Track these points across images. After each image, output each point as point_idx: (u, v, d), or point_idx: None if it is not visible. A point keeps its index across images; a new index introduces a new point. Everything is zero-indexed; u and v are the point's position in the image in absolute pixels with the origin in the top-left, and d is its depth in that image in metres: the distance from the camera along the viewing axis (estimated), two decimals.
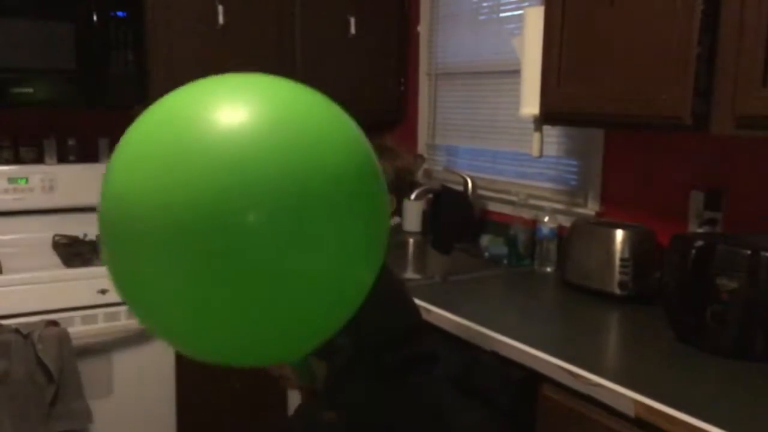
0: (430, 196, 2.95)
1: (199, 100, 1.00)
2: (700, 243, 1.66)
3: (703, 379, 1.53)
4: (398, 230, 3.14)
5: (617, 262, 2.05)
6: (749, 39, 1.53)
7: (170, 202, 0.91)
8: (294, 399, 2.34)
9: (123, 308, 2.38)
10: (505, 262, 2.56)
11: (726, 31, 1.58)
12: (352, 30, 3.05)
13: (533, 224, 2.51)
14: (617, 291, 2.05)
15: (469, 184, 2.81)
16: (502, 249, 2.60)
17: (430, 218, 3.00)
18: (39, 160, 2.78)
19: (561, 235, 2.40)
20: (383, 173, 1.40)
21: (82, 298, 2.33)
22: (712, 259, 1.64)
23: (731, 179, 1.98)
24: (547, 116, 2.11)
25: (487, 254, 2.65)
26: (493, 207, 2.82)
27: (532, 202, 2.59)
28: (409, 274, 2.92)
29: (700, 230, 2.00)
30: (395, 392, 1.44)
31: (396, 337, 1.44)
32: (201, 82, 1.04)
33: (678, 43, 1.66)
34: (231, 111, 0.96)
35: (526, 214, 2.55)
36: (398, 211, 3.16)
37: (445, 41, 3.11)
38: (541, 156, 2.30)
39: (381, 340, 1.40)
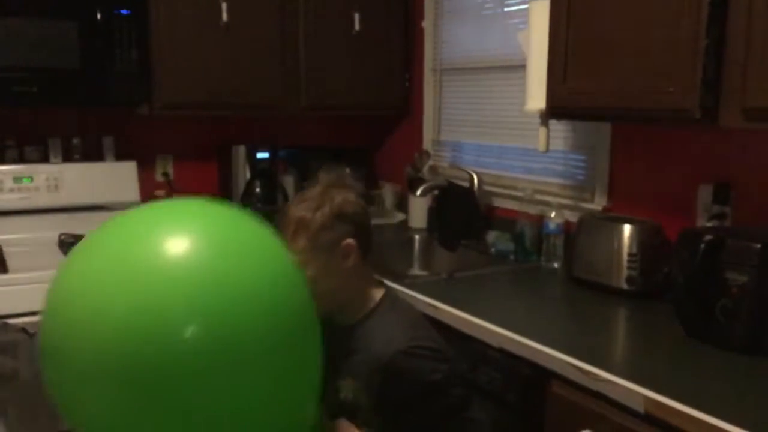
0: (436, 192, 2.94)
1: (144, 229, 1.05)
2: (708, 237, 1.65)
3: (712, 375, 1.52)
4: (404, 227, 3.13)
5: (625, 257, 2.04)
6: (758, 30, 1.51)
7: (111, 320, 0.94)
8: None
9: None
10: (512, 258, 2.55)
11: (734, 22, 1.57)
12: (357, 26, 3.04)
13: (540, 220, 2.49)
14: (625, 286, 2.04)
15: (475, 180, 2.79)
16: (508, 245, 2.59)
17: (435, 215, 2.99)
18: (44, 159, 2.78)
19: (568, 231, 2.38)
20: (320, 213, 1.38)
21: None
22: (721, 254, 1.62)
23: (740, 172, 1.96)
24: (554, 110, 2.09)
25: (493, 250, 2.64)
26: (499, 203, 2.80)
27: (539, 197, 2.57)
28: (415, 270, 2.91)
29: (708, 224, 1.98)
30: None
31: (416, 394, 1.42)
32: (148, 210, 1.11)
33: (686, 35, 1.64)
34: (173, 243, 1.01)
35: (533, 210, 2.54)
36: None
37: (450, 37, 3.09)
38: (547, 151, 2.29)
39: (401, 399, 1.39)
